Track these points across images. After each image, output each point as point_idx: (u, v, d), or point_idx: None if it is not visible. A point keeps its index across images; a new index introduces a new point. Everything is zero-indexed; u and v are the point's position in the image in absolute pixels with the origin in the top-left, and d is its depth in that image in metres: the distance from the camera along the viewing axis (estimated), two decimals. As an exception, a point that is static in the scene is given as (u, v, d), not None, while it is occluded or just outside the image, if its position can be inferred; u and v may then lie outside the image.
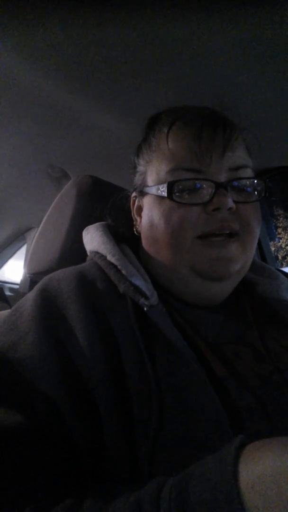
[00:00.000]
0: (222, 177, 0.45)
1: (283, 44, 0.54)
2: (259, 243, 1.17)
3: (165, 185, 0.45)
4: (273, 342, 0.47)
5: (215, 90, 0.64)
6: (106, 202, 0.65)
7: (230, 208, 0.44)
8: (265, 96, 0.65)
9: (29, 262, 0.76)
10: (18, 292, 1.75)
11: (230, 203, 0.43)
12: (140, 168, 0.53)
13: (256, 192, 0.47)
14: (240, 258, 0.45)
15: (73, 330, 0.39)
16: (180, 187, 0.45)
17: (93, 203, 0.68)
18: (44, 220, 0.79)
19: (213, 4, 0.48)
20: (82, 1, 0.49)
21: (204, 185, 0.44)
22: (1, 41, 0.58)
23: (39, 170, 1.12)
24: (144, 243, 0.51)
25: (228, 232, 0.44)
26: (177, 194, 0.45)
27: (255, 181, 0.47)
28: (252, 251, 0.48)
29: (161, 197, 0.46)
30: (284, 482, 0.20)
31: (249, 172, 0.47)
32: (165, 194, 0.45)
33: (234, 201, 0.44)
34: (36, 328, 0.38)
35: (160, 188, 0.46)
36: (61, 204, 0.74)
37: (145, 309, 0.41)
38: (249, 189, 0.46)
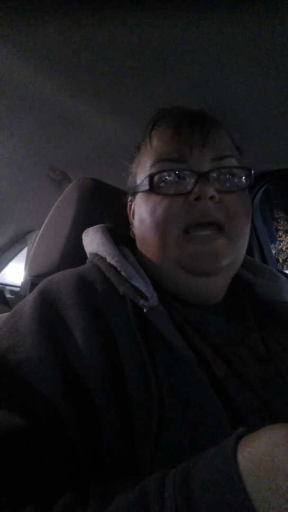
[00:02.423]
0: (205, 167, 0.45)
1: (283, 44, 0.54)
2: (260, 246, 1.16)
3: (147, 179, 0.46)
4: (275, 344, 0.47)
5: (215, 91, 0.65)
6: (108, 204, 0.65)
7: (212, 198, 0.43)
8: (265, 98, 0.65)
9: (30, 264, 0.77)
10: (19, 295, 1.76)
11: (211, 192, 0.43)
12: (132, 170, 0.54)
13: (242, 181, 0.47)
14: (228, 254, 0.44)
15: (72, 332, 0.39)
16: (162, 178, 0.45)
17: (95, 206, 0.68)
18: (45, 223, 0.79)
19: (213, 4, 0.48)
20: (81, 2, 0.49)
21: (187, 176, 0.45)
22: (1, 43, 0.59)
23: (40, 172, 1.13)
24: (137, 242, 0.52)
25: (211, 220, 0.43)
26: (160, 185, 0.46)
27: (240, 169, 0.46)
28: (242, 246, 0.47)
29: (147, 193, 0.47)
30: (279, 457, 0.21)
31: (234, 162, 0.47)
32: (148, 187, 0.46)
33: (219, 191, 0.44)
34: (35, 330, 0.38)
35: (144, 183, 0.47)
36: (62, 206, 0.74)
37: (144, 310, 0.41)
38: (234, 178, 0.46)
